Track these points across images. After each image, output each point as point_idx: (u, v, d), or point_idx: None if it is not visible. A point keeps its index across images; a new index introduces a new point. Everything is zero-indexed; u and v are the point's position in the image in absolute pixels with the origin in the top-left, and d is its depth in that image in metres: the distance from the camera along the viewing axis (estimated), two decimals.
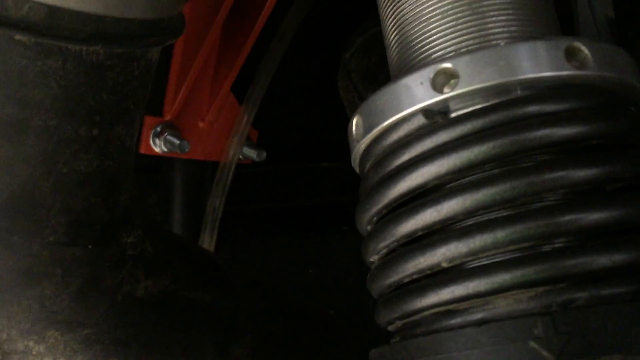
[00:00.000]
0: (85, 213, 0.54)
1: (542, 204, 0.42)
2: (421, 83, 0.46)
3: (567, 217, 0.41)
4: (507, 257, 0.41)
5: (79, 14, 0.48)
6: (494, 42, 0.49)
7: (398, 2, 0.55)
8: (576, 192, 0.43)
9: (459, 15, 0.51)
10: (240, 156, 1.10)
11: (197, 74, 1.02)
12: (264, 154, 1.13)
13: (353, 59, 1.09)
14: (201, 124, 1.07)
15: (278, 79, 1.10)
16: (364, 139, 0.50)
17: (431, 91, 0.46)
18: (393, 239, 0.45)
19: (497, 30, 0.50)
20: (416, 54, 0.52)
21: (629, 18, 0.74)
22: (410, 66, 0.52)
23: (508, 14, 0.51)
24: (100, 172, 0.55)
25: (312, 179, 1.30)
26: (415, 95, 0.46)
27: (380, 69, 1.04)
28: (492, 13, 0.51)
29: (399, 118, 0.47)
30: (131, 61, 0.51)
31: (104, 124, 0.53)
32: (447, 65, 0.45)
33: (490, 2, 0.51)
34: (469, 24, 0.51)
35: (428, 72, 0.46)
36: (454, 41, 0.50)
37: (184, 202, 1.11)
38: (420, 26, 0.53)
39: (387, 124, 0.48)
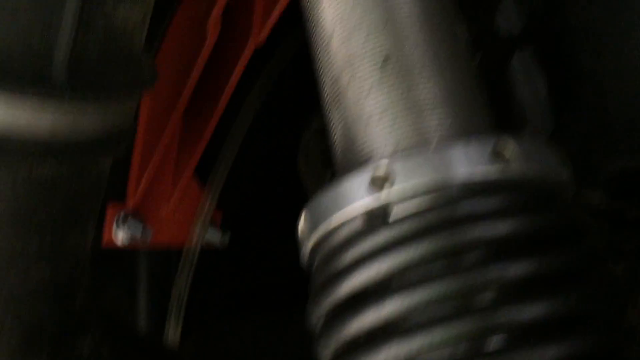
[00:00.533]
0: (39, 322, 0.55)
1: (478, 302, 0.44)
2: (360, 184, 0.48)
3: (502, 315, 0.42)
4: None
5: (29, 131, 0.49)
6: (429, 140, 0.52)
7: (340, 100, 0.58)
8: (512, 288, 0.45)
9: (396, 113, 0.54)
10: (205, 240, 1.11)
11: (159, 162, 1.03)
12: (227, 237, 1.13)
13: (312, 140, 1.12)
14: (164, 212, 1.08)
15: (241, 159, 1.12)
16: (310, 239, 0.52)
17: (369, 192, 0.48)
18: (337, 342, 0.46)
19: (432, 126, 0.53)
20: (358, 153, 0.54)
21: (564, 98, 0.78)
22: (352, 166, 0.54)
23: (443, 110, 0.54)
24: (54, 280, 0.55)
25: (279, 257, 1.31)
26: (354, 196, 0.48)
27: None
28: (427, 111, 0.54)
29: (341, 219, 0.49)
30: (83, 171, 0.53)
31: (56, 234, 0.54)
32: (383, 167, 0.48)
33: (425, 98, 0.54)
34: (405, 122, 0.53)
35: (366, 174, 0.48)
36: (392, 140, 0.53)
37: (149, 290, 1.11)
38: (361, 125, 0.55)
39: (331, 225, 0.49)
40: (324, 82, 0.61)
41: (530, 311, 0.43)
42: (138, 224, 1.00)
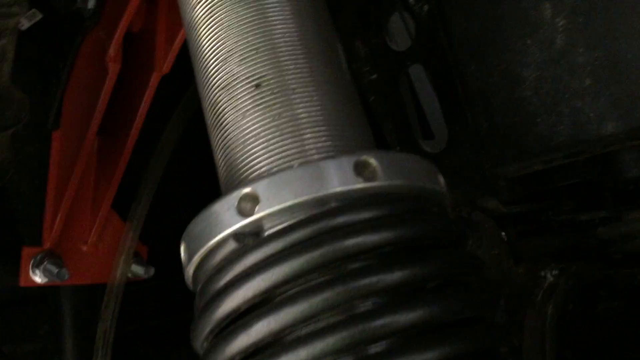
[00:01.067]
0: None
1: (358, 311, 0.45)
2: (228, 209, 0.49)
3: (382, 322, 0.44)
4: None
5: None
6: (305, 159, 0.53)
7: (219, 124, 0.59)
8: (391, 295, 0.46)
9: (270, 134, 0.55)
10: (129, 274, 1.10)
11: (74, 197, 1.02)
12: (152, 270, 1.13)
13: None
14: (84, 247, 1.07)
15: (165, 191, 1.12)
16: (190, 266, 0.52)
17: (237, 216, 0.48)
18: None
19: (307, 146, 0.54)
20: (236, 175, 0.55)
21: (455, 109, 0.80)
22: (231, 187, 0.55)
23: (317, 130, 0.56)
24: None
25: None
26: (223, 221, 0.49)
27: None
28: (301, 131, 0.55)
29: (213, 244, 0.49)
30: None
31: None
32: (248, 189, 0.49)
33: (300, 119, 0.56)
34: (279, 142, 0.54)
35: (233, 198, 0.49)
36: (267, 160, 0.54)
37: (75, 329, 1.09)
38: (238, 147, 0.56)
39: (204, 251, 0.50)
40: (204, 107, 0.62)
41: (409, 317, 0.44)
42: (54, 265, 0.99)
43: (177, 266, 1.24)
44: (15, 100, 0.54)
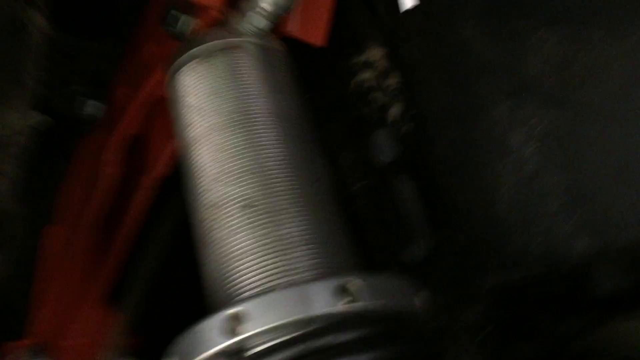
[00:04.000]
0: None
1: None
2: (214, 327, 0.51)
3: None
4: None
5: None
6: (289, 279, 0.56)
7: (207, 241, 0.62)
8: None
9: (256, 254, 0.58)
10: None
11: (59, 294, 1.04)
12: None
13: None
14: (67, 340, 1.08)
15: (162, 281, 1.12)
16: None
17: (223, 335, 0.51)
18: None
19: (291, 266, 0.57)
20: (223, 292, 0.58)
21: (439, 218, 0.84)
22: (217, 304, 0.58)
23: (302, 250, 0.59)
24: None
25: None
26: (210, 339, 0.51)
27: None
28: (287, 251, 0.59)
29: None
30: None
31: None
32: (235, 310, 0.51)
33: (286, 239, 0.59)
34: (264, 262, 0.58)
35: (220, 317, 0.52)
36: (252, 280, 0.57)
37: None
38: (225, 265, 0.59)
39: None
40: (194, 222, 0.65)
41: None
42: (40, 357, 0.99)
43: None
44: (17, 220, 0.57)
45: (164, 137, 0.95)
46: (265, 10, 0.71)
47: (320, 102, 0.80)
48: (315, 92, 0.82)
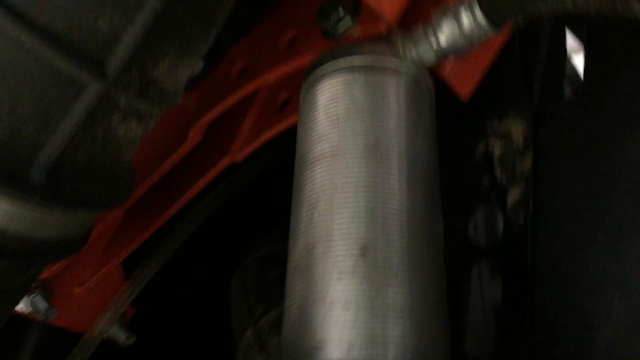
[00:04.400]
0: None
1: None
2: None
3: None
4: None
5: None
6: (384, 348, 0.49)
7: (307, 273, 0.55)
8: None
9: (360, 310, 0.52)
10: (108, 335, 1.03)
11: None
12: (132, 339, 1.06)
13: (252, 266, 1.08)
14: (77, 290, 1.01)
15: (173, 264, 1.06)
16: None
17: None
18: None
19: (390, 336, 0.51)
20: (309, 335, 0.51)
21: (513, 316, 0.77)
22: (300, 345, 0.51)
23: (406, 321, 0.52)
24: None
25: None
26: None
27: (276, 287, 1.02)
28: (390, 318, 0.52)
29: None
30: (17, 272, 0.47)
31: None
32: None
33: (392, 303, 0.52)
34: (366, 322, 0.51)
35: None
36: (347, 337, 0.50)
37: None
38: (321, 308, 0.52)
39: None
40: (295, 246, 0.58)
41: None
42: (43, 299, 0.92)
43: (156, 339, 1.17)
44: (127, 179, 0.50)
45: (260, 127, 0.89)
46: (439, 45, 0.65)
47: (441, 155, 0.73)
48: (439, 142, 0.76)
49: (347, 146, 0.60)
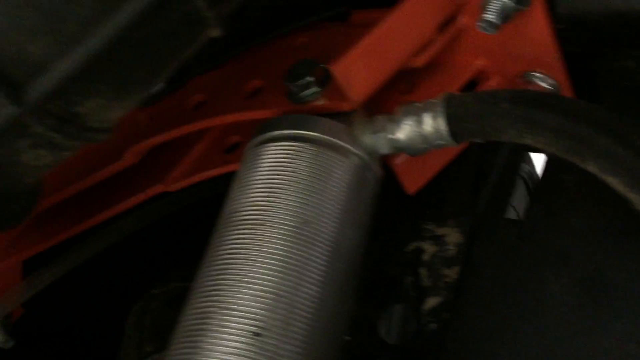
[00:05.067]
0: None
1: None
2: None
3: None
4: None
5: None
6: None
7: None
8: None
9: None
10: None
11: None
12: (10, 343, 0.99)
13: (156, 299, 1.03)
14: None
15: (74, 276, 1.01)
16: None
17: None
18: None
19: None
20: None
21: None
22: None
23: None
24: None
25: None
26: None
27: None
28: None
29: None
30: None
31: None
32: None
33: None
34: None
35: None
36: None
37: None
38: None
39: None
40: (191, 304, 0.56)
41: None
42: None
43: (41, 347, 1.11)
44: (22, 203, 0.47)
45: (202, 164, 0.86)
46: (396, 140, 0.63)
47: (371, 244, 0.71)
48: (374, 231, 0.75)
49: (274, 219, 0.58)
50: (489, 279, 0.75)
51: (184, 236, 1.16)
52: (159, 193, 0.89)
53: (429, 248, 0.79)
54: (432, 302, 0.76)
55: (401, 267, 0.80)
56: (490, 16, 0.59)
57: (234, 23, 0.95)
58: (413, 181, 0.74)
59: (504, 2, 0.59)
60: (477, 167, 0.81)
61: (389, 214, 0.84)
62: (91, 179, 0.86)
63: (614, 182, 0.46)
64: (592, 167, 0.48)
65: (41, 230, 0.95)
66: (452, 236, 0.78)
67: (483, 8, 0.61)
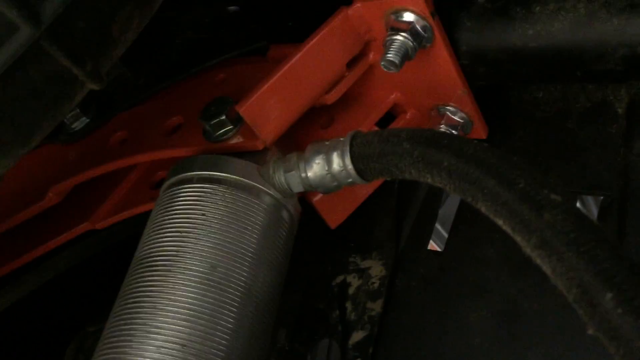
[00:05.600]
0: None
1: None
2: None
3: None
4: None
5: None
6: None
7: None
8: None
9: None
10: None
11: None
12: None
13: (92, 337, 1.02)
14: None
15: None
16: None
17: None
18: None
19: None
20: None
21: None
22: None
23: None
24: None
25: None
26: None
27: None
28: None
29: None
30: None
31: None
32: None
33: None
34: None
35: None
36: None
37: None
38: None
39: None
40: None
41: None
42: None
43: None
44: None
45: (129, 201, 0.85)
46: (307, 179, 0.63)
47: (298, 278, 0.71)
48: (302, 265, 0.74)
49: (182, 265, 0.57)
50: (411, 312, 0.75)
51: (121, 272, 1.15)
52: (87, 230, 0.88)
53: (353, 281, 0.79)
54: (357, 336, 0.76)
55: (328, 301, 0.80)
56: (390, 56, 0.60)
57: (156, 59, 0.95)
58: (334, 216, 0.75)
59: (403, 41, 0.59)
60: (399, 198, 0.82)
61: (315, 247, 0.84)
62: (14, 219, 0.85)
63: (500, 223, 0.47)
64: (483, 209, 0.48)
65: None
66: (376, 269, 0.78)
67: (385, 47, 0.61)
